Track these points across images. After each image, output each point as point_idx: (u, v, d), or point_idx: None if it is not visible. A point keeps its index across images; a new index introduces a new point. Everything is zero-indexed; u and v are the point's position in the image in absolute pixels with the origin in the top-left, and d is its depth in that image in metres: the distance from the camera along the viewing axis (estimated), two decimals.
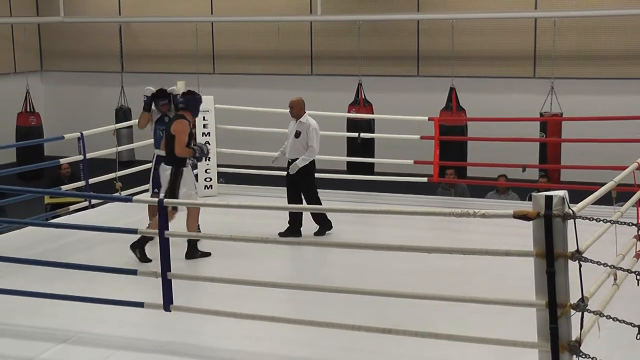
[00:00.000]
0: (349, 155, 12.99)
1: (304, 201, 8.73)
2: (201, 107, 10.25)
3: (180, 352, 5.69)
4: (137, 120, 9.19)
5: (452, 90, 13.51)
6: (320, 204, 8.63)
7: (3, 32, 17.25)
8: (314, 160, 8.72)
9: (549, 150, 12.68)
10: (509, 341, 4.99)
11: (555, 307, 4.67)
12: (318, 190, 8.86)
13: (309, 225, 8.69)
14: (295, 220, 8.68)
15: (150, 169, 8.75)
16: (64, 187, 10.20)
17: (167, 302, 5.73)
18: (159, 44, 17.00)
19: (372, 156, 12.95)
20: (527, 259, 4.79)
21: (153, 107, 8.67)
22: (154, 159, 8.55)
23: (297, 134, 8.68)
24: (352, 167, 12.90)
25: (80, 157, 9.90)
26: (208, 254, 7.93)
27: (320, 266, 7.67)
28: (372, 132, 13.13)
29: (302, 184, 8.63)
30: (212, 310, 5.90)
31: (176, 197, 7.66)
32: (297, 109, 8.70)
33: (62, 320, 6.22)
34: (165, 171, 7.85)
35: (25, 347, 5.82)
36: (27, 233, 8.77)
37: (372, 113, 13.73)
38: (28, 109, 16.19)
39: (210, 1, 16.50)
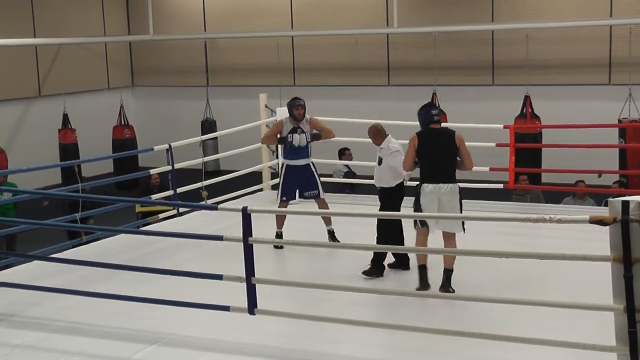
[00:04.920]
0: None
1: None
2: (281, 117, 10.67)
3: (265, 354, 5.79)
4: (222, 132, 9.64)
5: (527, 98, 13.55)
6: (389, 233, 7.51)
7: (97, 50, 17.98)
8: (398, 186, 7.73)
9: (628, 156, 12.56)
10: (588, 345, 4.97)
11: (633, 311, 4.65)
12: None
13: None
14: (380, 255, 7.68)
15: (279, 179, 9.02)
16: (154, 196, 10.41)
17: (252, 306, 5.86)
18: (242, 58, 17.46)
19: None
20: (603, 264, 4.79)
21: (284, 118, 8.96)
22: (284, 169, 8.88)
23: (379, 161, 7.80)
24: None
25: (169, 168, 10.11)
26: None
27: (397, 271, 7.60)
28: None
29: (381, 205, 7.83)
30: (295, 313, 6.02)
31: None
32: (372, 137, 7.94)
33: (152, 323, 6.35)
34: (455, 195, 7.10)
35: (119, 347, 5.98)
36: (120, 240, 8.96)
37: (447, 122, 13.83)
38: (122, 122, 16.88)
39: (290, 16, 16.88)
